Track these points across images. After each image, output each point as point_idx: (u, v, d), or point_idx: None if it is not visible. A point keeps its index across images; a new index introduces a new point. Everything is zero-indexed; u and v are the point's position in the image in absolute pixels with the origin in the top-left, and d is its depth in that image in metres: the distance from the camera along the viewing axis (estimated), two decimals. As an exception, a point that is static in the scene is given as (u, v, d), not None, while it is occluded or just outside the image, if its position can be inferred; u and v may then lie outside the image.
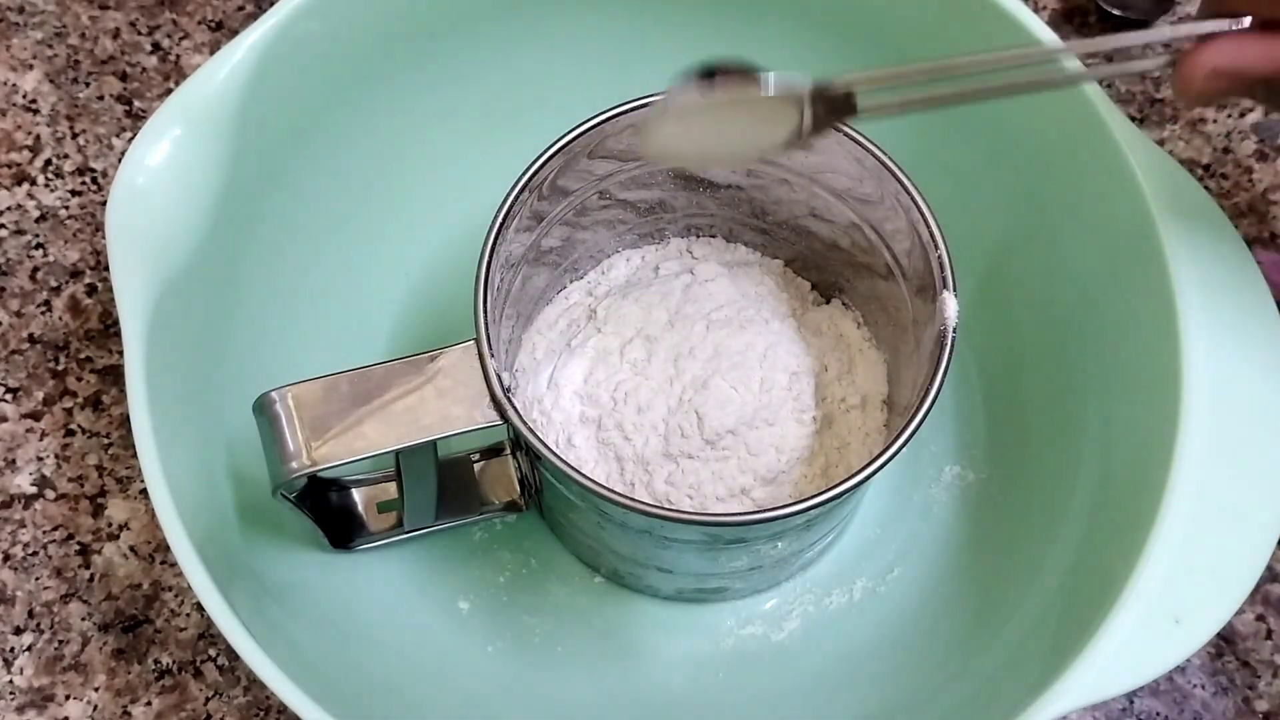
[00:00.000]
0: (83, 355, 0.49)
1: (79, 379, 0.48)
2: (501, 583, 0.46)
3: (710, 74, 0.27)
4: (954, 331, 0.37)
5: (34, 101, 0.52)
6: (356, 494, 0.44)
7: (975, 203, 0.45)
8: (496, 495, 0.45)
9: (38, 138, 0.52)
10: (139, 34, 0.54)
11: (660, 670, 0.45)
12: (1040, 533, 0.43)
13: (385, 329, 0.48)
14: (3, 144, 0.52)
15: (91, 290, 0.50)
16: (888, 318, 0.43)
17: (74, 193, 0.51)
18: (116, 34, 0.54)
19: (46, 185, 0.51)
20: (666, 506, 0.39)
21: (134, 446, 0.37)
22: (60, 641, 0.45)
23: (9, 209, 0.51)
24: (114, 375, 0.48)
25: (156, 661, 0.45)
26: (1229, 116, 0.53)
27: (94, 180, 0.51)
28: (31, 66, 0.53)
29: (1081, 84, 0.39)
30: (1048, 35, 0.42)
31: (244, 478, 0.42)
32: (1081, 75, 0.37)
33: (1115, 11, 0.54)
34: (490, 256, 0.38)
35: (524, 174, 0.39)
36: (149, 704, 0.44)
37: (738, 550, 0.41)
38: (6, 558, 0.46)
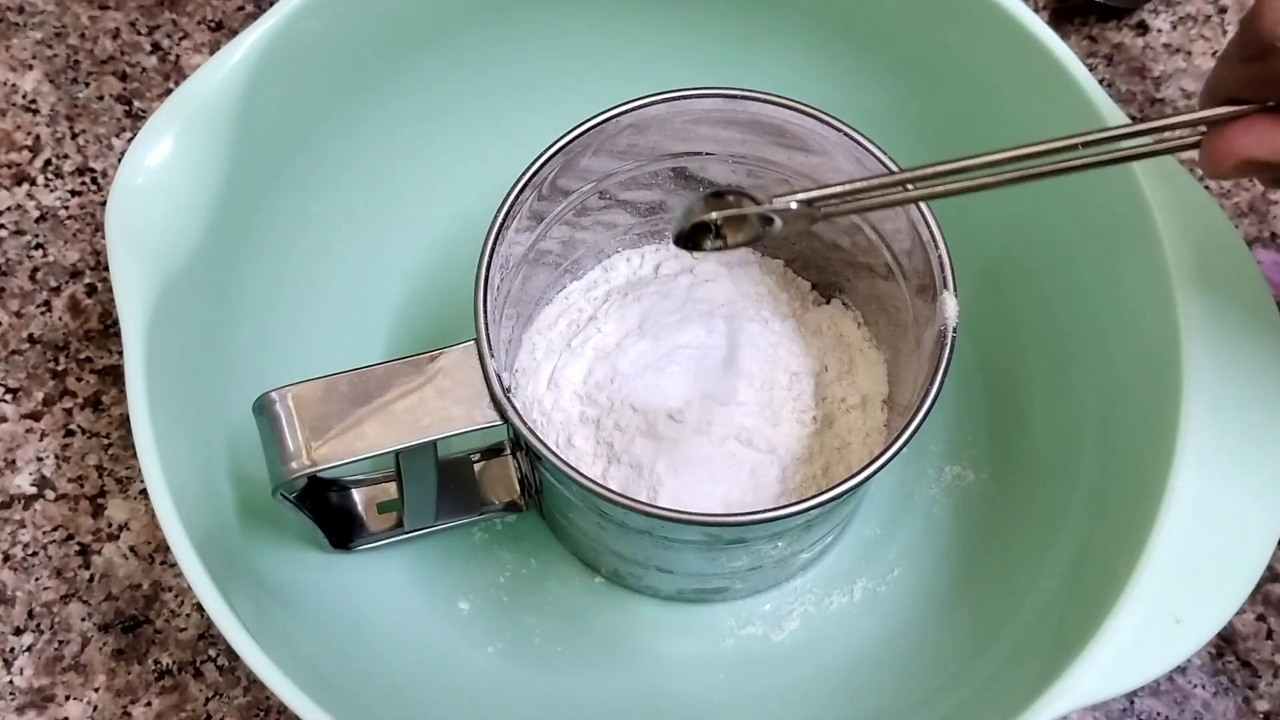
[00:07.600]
0: (82, 355, 0.49)
1: (79, 379, 0.48)
2: (501, 583, 0.46)
3: (719, 195, 0.32)
4: (954, 331, 0.37)
5: (34, 102, 0.52)
6: (356, 494, 0.44)
7: (975, 203, 0.45)
8: (496, 495, 0.45)
9: (37, 138, 0.52)
10: (139, 34, 0.54)
11: (660, 671, 0.45)
12: (1041, 533, 0.43)
13: (385, 329, 0.48)
14: (2, 144, 0.52)
15: (91, 290, 0.50)
16: (888, 318, 0.43)
17: (74, 193, 0.51)
18: (116, 34, 0.54)
19: (46, 185, 0.51)
20: (665, 506, 0.39)
21: (134, 447, 0.37)
22: (60, 642, 0.45)
23: (9, 209, 0.51)
24: (114, 375, 0.48)
25: (156, 662, 0.45)
26: (1229, 116, 0.53)
27: (94, 180, 0.51)
28: (31, 66, 0.53)
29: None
30: (1048, 36, 0.42)
31: (244, 478, 0.42)
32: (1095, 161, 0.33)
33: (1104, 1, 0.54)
34: (490, 257, 0.38)
35: (524, 174, 0.39)
36: (149, 704, 0.44)
37: (738, 550, 0.40)
38: (6, 558, 0.46)
